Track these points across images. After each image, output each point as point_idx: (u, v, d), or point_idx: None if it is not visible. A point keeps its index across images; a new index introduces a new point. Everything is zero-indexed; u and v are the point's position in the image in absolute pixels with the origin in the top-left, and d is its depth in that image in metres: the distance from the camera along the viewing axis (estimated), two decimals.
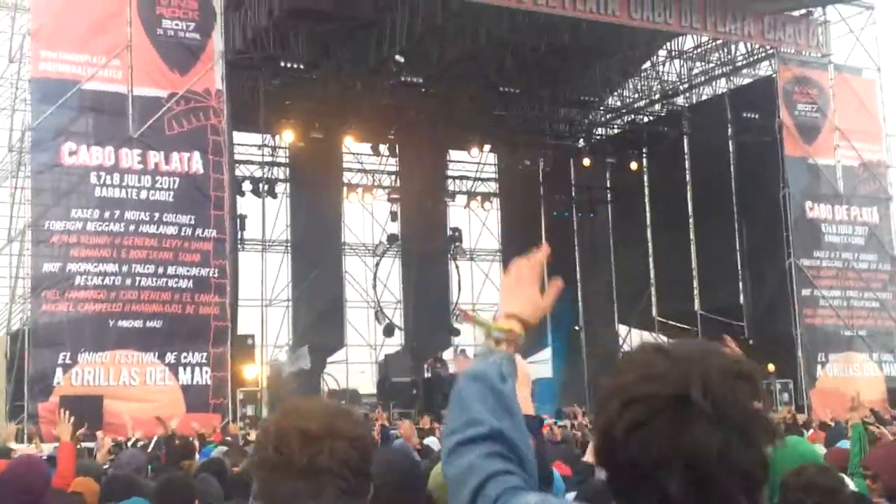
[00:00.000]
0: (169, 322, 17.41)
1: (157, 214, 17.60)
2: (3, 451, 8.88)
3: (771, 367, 23.92)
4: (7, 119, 19.40)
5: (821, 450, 5.81)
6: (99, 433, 12.27)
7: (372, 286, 29.81)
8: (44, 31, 17.48)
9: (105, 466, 7.49)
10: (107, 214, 17.23)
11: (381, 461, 3.24)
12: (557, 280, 2.19)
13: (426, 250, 30.09)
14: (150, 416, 16.06)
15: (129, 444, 12.37)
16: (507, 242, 31.99)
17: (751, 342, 26.17)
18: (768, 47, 24.89)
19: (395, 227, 30.05)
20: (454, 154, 31.50)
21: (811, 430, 11.80)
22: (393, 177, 30.56)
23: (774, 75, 24.90)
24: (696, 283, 29.12)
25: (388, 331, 29.19)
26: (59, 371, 16.33)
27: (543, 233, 32.53)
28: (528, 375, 3.88)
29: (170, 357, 17.25)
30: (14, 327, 17.66)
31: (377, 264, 30.06)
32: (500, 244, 32.21)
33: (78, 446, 10.84)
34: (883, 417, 12.45)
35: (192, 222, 17.89)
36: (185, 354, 17.38)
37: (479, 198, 31.38)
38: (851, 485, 4.72)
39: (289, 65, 22.42)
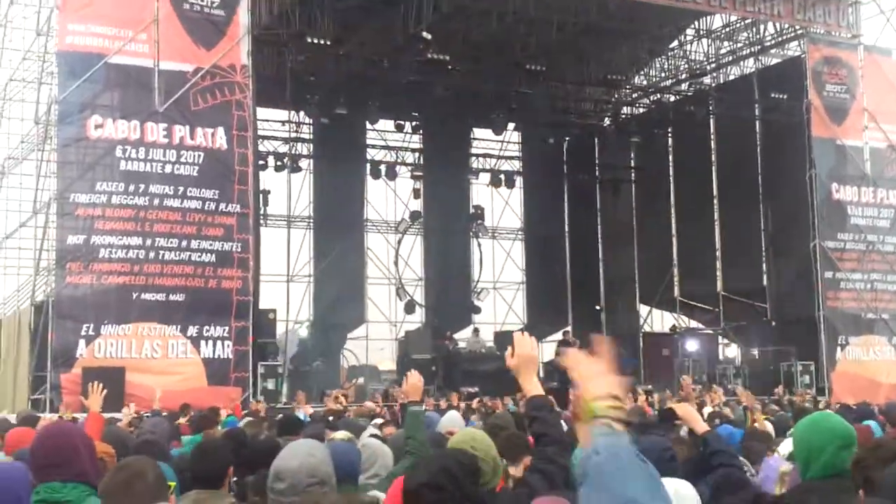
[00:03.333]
0: (191, 295, 17.53)
1: (181, 188, 17.68)
2: (30, 418, 8.96)
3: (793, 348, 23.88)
4: (34, 92, 19.51)
5: None
6: (131, 405, 12.38)
7: (394, 263, 29.86)
8: (71, 4, 17.54)
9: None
10: (131, 188, 17.33)
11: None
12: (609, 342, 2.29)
13: (448, 228, 30.11)
14: (172, 388, 16.23)
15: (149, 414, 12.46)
16: (529, 221, 31.93)
17: (773, 324, 26.13)
18: (798, 27, 24.63)
19: (417, 205, 30.07)
20: (478, 132, 31.43)
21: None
22: (416, 154, 30.53)
23: (803, 55, 24.64)
24: (719, 265, 28.98)
25: (409, 308, 29.24)
26: (81, 343, 16.48)
27: (566, 211, 32.48)
28: (536, 358, 4.12)
29: (192, 330, 17.37)
30: (38, 299, 17.80)
31: (399, 241, 30.11)
32: (523, 223, 32.15)
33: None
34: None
35: (216, 197, 17.97)
36: (207, 328, 17.49)
37: (502, 176, 31.31)
38: None
39: (315, 41, 22.36)
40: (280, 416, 11.13)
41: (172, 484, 3.83)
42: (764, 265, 27.55)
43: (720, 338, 28.06)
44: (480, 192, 31.64)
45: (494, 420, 6.63)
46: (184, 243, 17.62)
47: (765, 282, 27.44)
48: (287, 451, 3.69)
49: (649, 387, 22.86)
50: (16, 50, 21.55)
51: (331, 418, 10.49)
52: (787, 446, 6.14)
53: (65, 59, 17.57)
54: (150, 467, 3.48)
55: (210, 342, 17.40)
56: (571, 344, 25.41)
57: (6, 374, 19.21)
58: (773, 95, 25.99)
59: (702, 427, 5.32)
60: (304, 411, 14.10)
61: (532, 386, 4.10)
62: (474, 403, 14.85)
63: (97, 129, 17.29)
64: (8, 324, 20.00)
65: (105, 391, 6.93)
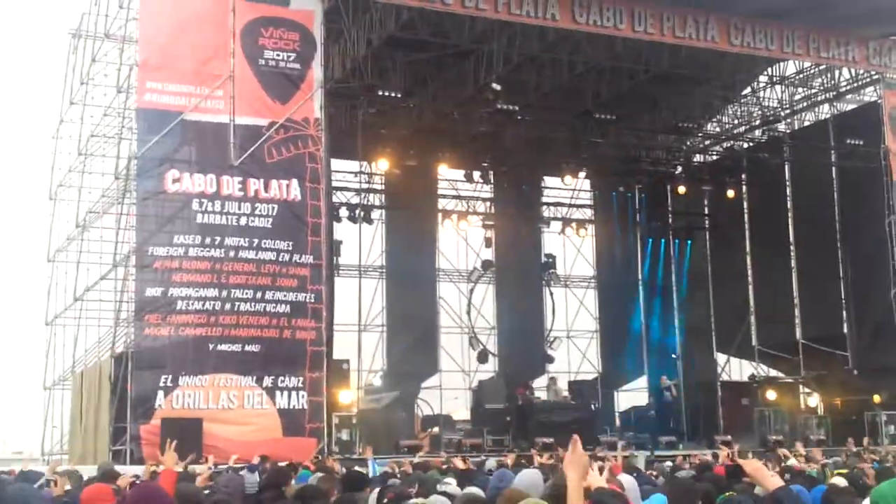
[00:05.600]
0: (266, 346, 17.64)
1: (256, 240, 17.89)
2: (109, 473, 9.07)
3: (877, 398, 23.23)
4: (114, 147, 20.07)
5: None
6: (209, 457, 12.46)
7: (466, 312, 29.84)
8: (150, 62, 18.02)
9: (205, 492, 7.63)
10: (208, 240, 17.60)
11: None
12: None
13: (520, 276, 30.02)
14: (248, 439, 16.34)
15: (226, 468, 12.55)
16: (601, 269, 31.72)
17: (855, 372, 25.51)
18: (873, 72, 24.27)
19: (489, 253, 30.07)
20: (549, 180, 31.43)
21: None
22: (487, 203, 30.61)
23: (880, 101, 24.27)
24: (797, 312, 28.45)
25: (482, 357, 29.15)
26: (160, 394, 16.66)
27: (639, 258, 32.20)
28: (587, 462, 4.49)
29: (267, 381, 17.46)
30: (118, 350, 18.12)
31: (471, 290, 30.09)
32: (595, 271, 31.94)
33: (186, 469, 11.07)
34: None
35: (290, 248, 18.14)
36: (281, 378, 17.56)
37: (573, 224, 31.21)
38: None
39: (386, 93, 22.70)
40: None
41: None
42: (844, 313, 26.99)
43: (801, 387, 27.43)
44: (552, 240, 31.58)
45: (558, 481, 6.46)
46: (258, 294, 17.78)
47: (845, 329, 26.86)
48: None
49: (728, 437, 22.43)
50: (97, 106, 22.22)
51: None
52: None
53: (143, 116, 18.00)
54: None
55: (285, 393, 17.47)
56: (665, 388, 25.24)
57: (87, 424, 19.55)
58: (849, 141, 25.68)
59: (772, 483, 5.15)
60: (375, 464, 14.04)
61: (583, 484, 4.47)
62: (545, 458, 14.61)
63: (174, 183, 17.63)
64: (89, 375, 20.38)
65: (175, 443, 7.00)
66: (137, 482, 9.22)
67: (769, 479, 5.18)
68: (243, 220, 17.89)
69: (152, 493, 4.11)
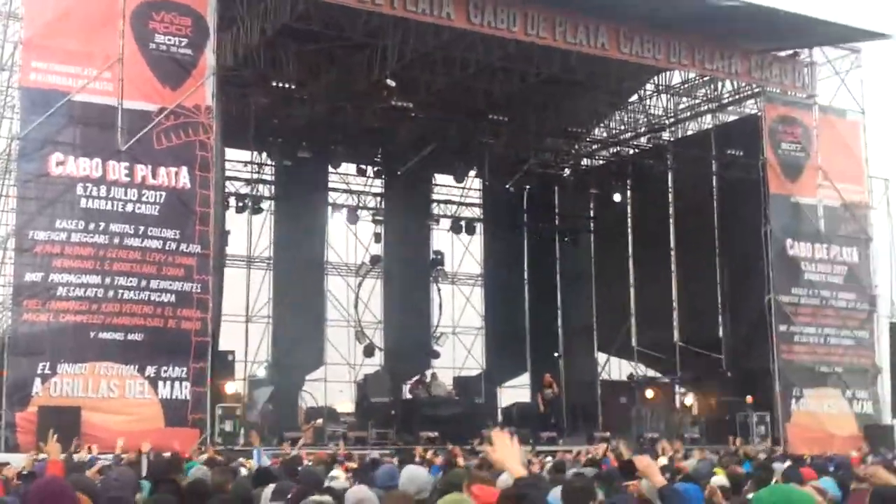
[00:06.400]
0: (150, 335, 17.39)
1: (142, 228, 17.60)
2: None
3: (749, 398, 24.13)
4: None
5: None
6: (93, 447, 12.24)
7: (353, 306, 29.83)
8: (35, 40, 17.56)
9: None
10: (91, 226, 17.24)
11: None
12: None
13: (409, 272, 30.16)
14: (130, 429, 16.08)
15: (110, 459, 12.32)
16: (488, 267, 32.10)
17: (729, 374, 26.45)
18: (755, 85, 25.17)
19: (378, 249, 30.11)
20: (440, 178, 31.65)
21: (787, 462, 11.90)
22: (378, 198, 30.65)
23: (760, 113, 25.19)
24: (675, 315, 29.33)
25: (368, 351, 29.19)
26: (37, 381, 16.29)
27: (525, 258, 32.70)
28: (518, 450, 5.08)
29: (150, 370, 17.22)
30: None
31: (359, 284, 30.08)
32: (482, 269, 32.31)
33: (72, 457, 10.85)
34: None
35: (177, 237, 17.90)
36: (165, 368, 17.35)
37: (462, 222, 31.49)
38: None
39: (279, 84, 22.52)
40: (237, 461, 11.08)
41: None
42: (720, 317, 27.93)
43: (677, 387, 28.29)
44: (441, 237, 31.78)
45: (451, 479, 6.58)
46: (143, 283, 17.50)
47: (720, 333, 27.79)
48: None
49: (606, 434, 23.03)
50: None
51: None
52: None
53: (27, 96, 17.54)
54: None
55: (168, 383, 17.25)
56: (548, 385, 25.64)
57: None
58: (729, 152, 26.53)
59: (661, 480, 5.40)
60: (262, 454, 14.00)
61: (518, 470, 4.95)
62: (429, 454, 14.78)
63: (58, 166, 17.22)
64: None
65: (56, 435, 6.88)
66: (27, 473, 9.02)
67: (658, 475, 5.44)
68: (129, 207, 17.58)
69: (58, 490, 4.03)
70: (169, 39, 18.35)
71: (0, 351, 16.54)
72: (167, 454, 12.42)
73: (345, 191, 29.95)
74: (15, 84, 18.18)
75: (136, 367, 17.10)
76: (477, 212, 32.45)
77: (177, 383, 17.30)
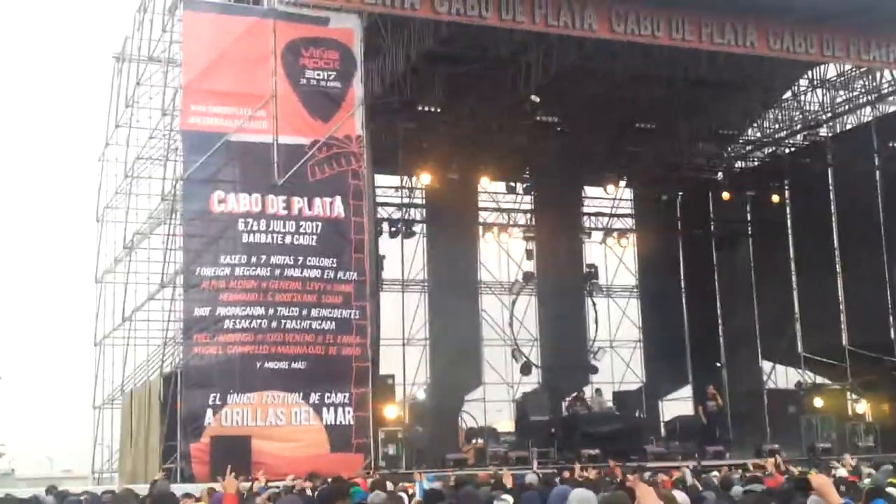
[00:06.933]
0: (312, 363, 17.78)
1: (300, 258, 18.05)
2: (167, 496, 9.14)
3: None
4: (160, 169, 20.34)
5: None
6: (261, 476, 12.57)
7: (508, 324, 29.86)
8: (193, 84, 18.26)
9: None
10: (254, 259, 17.78)
11: None
12: None
13: (562, 287, 29.98)
14: (296, 455, 16.49)
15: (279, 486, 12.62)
16: (643, 278, 31.62)
17: None
18: None
19: (530, 265, 30.09)
20: (589, 190, 31.40)
21: None
22: (528, 215, 30.64)
23: None
24: (843, 318, 28.17)
25: (525, 369, 29.15)
26: (209, 412, 16.86)
27: (682, 266, 32.06)
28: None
29: (314, 397, 17.59)
30: (166, 370, 18.35)
31: (513, 302, 30.11)
32: (637, 280, 31.84)
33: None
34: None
35: (335, 265, 18.29)
36: (328, 394, 17.69)
37: (615, 234, 31.15)
38: None
39: (425, 108, 22.84)
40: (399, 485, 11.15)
41: None
42: (890, 318, 26.70)
43: (848, 394, 27.15)
44: (594, 250, 31.52)
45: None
46: (304, 312, 17.92)
47: (892, 334, 26.57)
48: None
49: (775, 446, 22.25)
50: (143, 129, 22.56)
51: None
52: None
53: (188, 138, 18.25)
54: None
55: (331, 409, 17.58)
56: (711, 397, 24.90)
57: (137, 443, 19.81)
58: (892, 144, 25.41)
59: (836, 500, 5.16)
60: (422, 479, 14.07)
61: None
62: (592, 474, 14.45)
63: (220, 203, 17.84)
64: (138, 394, 20.65)
65: (232, 472, 7.10)
66: None
67: (834, 495, 5.20)
68: (288, 239, 18.06)
69: None
70: (318, 74, 18.83)
71: (174, 384, 17.19)
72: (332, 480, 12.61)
73: (495, 209, 30.06)
74: (177, 127, 18.94)
75: (301, 394, 17.49)
76: (629, 222, 32.05)
77: (340, 409, 17.62)
